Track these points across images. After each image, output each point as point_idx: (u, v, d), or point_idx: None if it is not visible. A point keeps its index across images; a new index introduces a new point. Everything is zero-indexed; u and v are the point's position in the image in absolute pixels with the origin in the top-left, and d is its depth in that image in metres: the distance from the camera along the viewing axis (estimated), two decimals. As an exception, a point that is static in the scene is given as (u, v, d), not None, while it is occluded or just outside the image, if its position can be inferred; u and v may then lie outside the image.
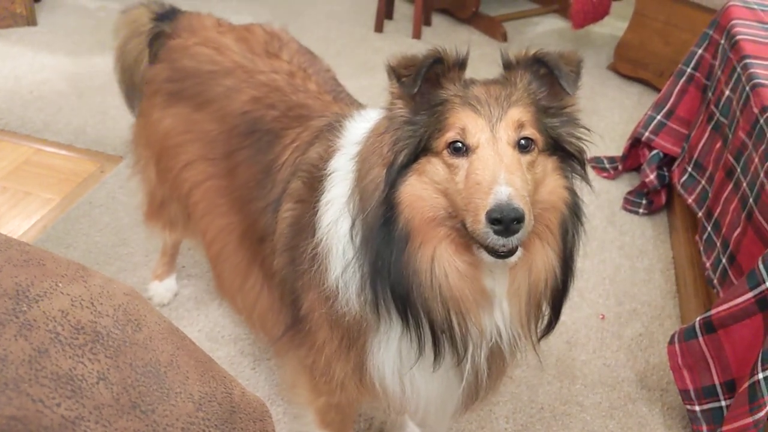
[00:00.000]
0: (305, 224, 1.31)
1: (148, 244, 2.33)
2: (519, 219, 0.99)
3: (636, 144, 2.86)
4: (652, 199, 2.74)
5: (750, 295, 1.60)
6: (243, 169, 1.51)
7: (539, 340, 1.25)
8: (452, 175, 1.08)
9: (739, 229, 1.88)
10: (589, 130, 1.21)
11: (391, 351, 1.25)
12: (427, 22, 4.18)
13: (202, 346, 1.97)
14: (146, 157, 1.81)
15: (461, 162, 1.07)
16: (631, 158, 2.91)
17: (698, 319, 1.75)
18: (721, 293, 1.92)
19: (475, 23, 4.23)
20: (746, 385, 1.54)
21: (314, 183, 1.31)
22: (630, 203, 2.77)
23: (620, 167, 2.93)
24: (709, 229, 2.11)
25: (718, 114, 2.30)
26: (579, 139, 1.18)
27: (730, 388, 1.70)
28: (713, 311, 1.70)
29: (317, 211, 1.27)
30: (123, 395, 0.54)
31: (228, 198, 1.55)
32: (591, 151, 3.31)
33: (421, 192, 1.11)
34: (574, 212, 1.18)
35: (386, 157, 1.13)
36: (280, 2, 4.31)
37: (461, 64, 1.15)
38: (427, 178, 1.11)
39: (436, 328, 1.15)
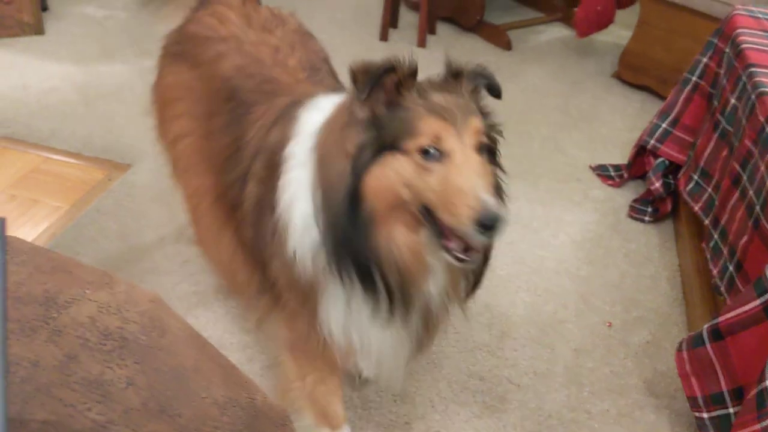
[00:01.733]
0: (266, 204, 1.48)
1: (155, 251, 2.35)
2: (503, 223, 1.18)
3: (641, 152, 2.87)
4: (658, 207, 2.75)
5: (757, 302, 1.60)
6: (218, 136, 1.66)
7: (466, 299, 1.53)
8: (422, 175, 1.23)
9: (745, 237, 1.88)
10: (498, 125, 1.40)
11: (338, 308, 1.44)
12: (432, 31, 4.20)
13: (211, 353, 1.98)
14: (156, 112, 1.98)
15: (434, 166, 1.23)
16: (637, 166, 2.92)
17: (706, 326, 1.76)
18: (729, 301, 1.93)
19: (480, 32, 4.25)
20: (754, 392, 1.55)
21: (273, 166, 1.47)
22: (635, 211, 2.78)
23: (625, 175, 2.94)
24: (715, 236, 2.12)
25: (723, 122, 2.31)
26: (495, 137, 1.38)
27: (738, 395, 1.70)
28: (721, 318, 1.71)
29: (276, 191, 1.44)
30: (151, 400, 0.55)
31: (204, 160, 1.71)
32: (596, 159, 3.31)
33: (386, 183, 1.26)
34: (498, 194, 1.37)
35: (350, 152, 1.28)
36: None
37: (414, 73, 1.29)
38: (392, 171, 1.25)
39: (391, 292, 1.34)
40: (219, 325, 2.10)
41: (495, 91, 1.38)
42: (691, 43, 3.16)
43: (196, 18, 1.85)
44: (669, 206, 2.75)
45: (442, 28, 4.29)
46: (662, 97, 3.52)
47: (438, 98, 1.27)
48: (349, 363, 1.59)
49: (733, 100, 2.24)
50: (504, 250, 2.53)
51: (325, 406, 1.71)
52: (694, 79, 2.64)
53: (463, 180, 1.20)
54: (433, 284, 1.39)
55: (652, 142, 2.76)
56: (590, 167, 3.05)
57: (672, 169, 2.76)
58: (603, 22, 3.75)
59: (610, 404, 1.99)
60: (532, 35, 4.37)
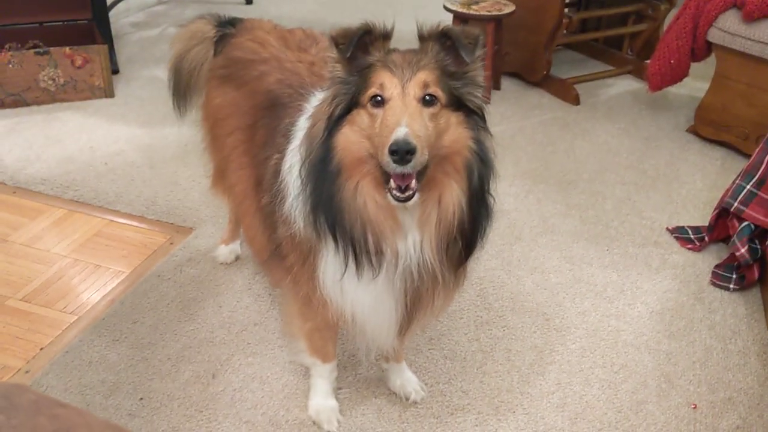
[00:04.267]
0: (278, 171, 1.64)
1: (213, 318, 2.29)
2: (411, 151, 1.27)
3: (723, 214, 2.68)
4: (744, 274, 2.55)
5: None
6: (260, 133, 1.84)
7: (457, 269, 1.54)
8: (373, 122, 1.36)
9: None
10: (481, 86, 1.45)
11: (329, 264, 1.55)
12: (497, 87, 4.12)
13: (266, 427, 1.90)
14: (207, 129, 2.20)
15: (379, 112, 1.35)
16: (719, 229, 2.73)
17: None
18: (833, 389, 1.73)
19: (546, 86, 4.14)
20: None
21: (289, 138, 1.64)
22: (719, 278, 2.59)
23: (707, 238, 2.75)
24: (814, 314, 1.92)
25: (817, 186, 2.13)
26: (477, 98, 1.44)
27: None
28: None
29: (283, 157, 1.62)
30: None
31: (249, 155, 1.90)
32: (674, 221, 3.11)
33: (350, 137, 1.40)
34: (479, 157, 1.42)
35: (327, 111, 1.43)
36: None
37: (386, 36, 1.42)
38: (356, 126, 1.39)
39: (355, 244, 1.45)
40: (275, 401, 2.01)
41: (461, 49, 1.39)
42: (775, 98, 2.99)
43: (239, 44, 2.05)
44: (756, 273, 2.55)
45: (507, 83, 4.20)
46: (744, 154, 3.34)
47: (396, 56, 1.39)
48: (341, 319, 1.66)
49: (828, 163, 2.07)
50: (576, 321, 2.37)
51: (320, 346, 1.89)
52: (780, 137, 2.46)
53: (389, 118, 1.32)
54: (406, 242, 1.46)
55: (736, 204, 2.58)
56: (668, 230, 2.88)
57: (758, 233, 2.56)
58: (677, 75, 3.59)
59: (699, 500, 1.80)
60: (602, 89, 4.24)
